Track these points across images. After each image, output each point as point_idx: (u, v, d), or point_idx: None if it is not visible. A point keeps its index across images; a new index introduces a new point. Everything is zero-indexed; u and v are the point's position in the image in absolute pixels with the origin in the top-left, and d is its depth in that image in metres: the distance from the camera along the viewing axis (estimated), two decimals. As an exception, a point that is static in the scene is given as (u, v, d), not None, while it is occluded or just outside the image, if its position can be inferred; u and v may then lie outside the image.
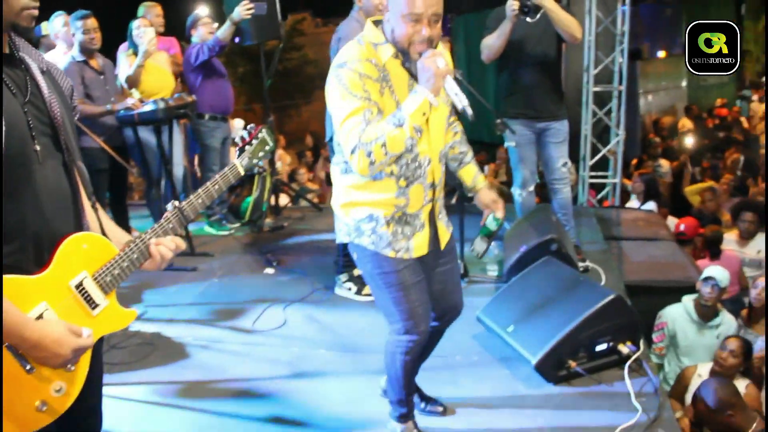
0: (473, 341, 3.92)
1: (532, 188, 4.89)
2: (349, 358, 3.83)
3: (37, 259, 1.70)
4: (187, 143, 6.29)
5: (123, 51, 5.64)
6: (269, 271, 5.20)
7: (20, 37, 1.77)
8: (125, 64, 5.49)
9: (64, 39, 5.54)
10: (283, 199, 7.06)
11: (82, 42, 5.06)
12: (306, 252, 5.65)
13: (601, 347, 3.50)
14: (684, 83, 16.42)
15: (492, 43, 4.59)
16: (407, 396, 2.96)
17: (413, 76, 2.50)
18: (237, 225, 6.29)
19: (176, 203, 1.98)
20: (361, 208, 2.62)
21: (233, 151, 2.34)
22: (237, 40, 6.07)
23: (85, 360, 1.76)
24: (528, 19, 4.43)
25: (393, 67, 2.49)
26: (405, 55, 2.47)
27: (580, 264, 4.64)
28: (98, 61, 5.21)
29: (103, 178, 5.17)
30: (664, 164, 8.88)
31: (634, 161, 9.91)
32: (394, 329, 2.76)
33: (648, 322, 4.68)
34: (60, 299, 1.71)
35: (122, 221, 5.52)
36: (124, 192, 5.70)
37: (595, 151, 7.20)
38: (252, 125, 2.28)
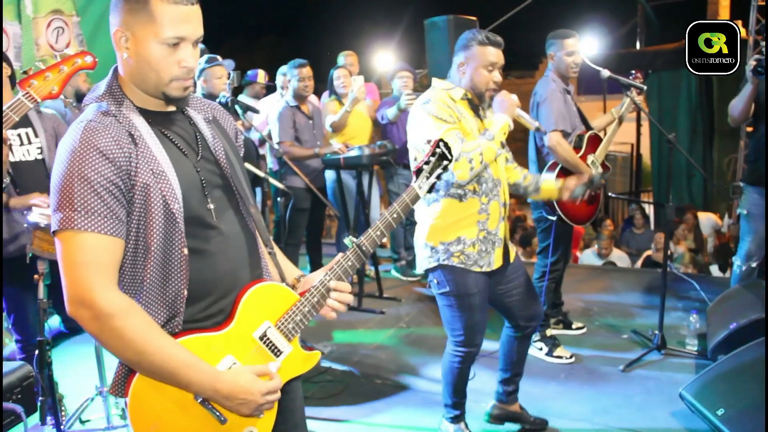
0: (674, 419, 3.69)
1: (756, 263, 4.54)
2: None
3: (222, 312, 1.76)
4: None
5: (326, 98, 5.96)
6: (456, 321, 5.19)
7: (173, 105, 1.79)
8: (330, 110, 5.79)
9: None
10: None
11: (296, 89, 5.41)
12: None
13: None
14: None
15: (735, 105, 4.37)
16: (460, 399, 3.44)
17: (476, 113, 3.18)
18: (423, 272, 6.35)
19: (354, 239, 1.95)
20: (449, 231, 3.11)
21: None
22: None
23: (272, 410, 1.80)
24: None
25: (463, 104, 3.14)
26: (479, 98, 3.15)
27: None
28: (308, 107, 5.53)
29: (303, 217, 5.46)
30: None
31: None
32: (455, 341, 3.28)
33: None
34: (246, 352, 1.76)
35: (316, 259, 5.77)
36: (321, 231, 5.96)
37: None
38: (427, 140, 2.16)
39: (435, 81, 3.23)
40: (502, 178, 3.22)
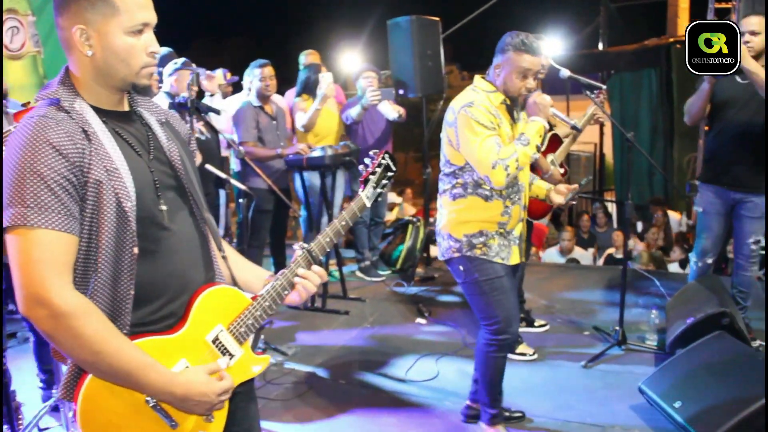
0: (633, 412, 3.75)
1: (711, 260, 4.60)
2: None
3: (174, 314, 1.75)
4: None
5: (295, 97, 5.94)
6: (421, 321, 5.23)
7: (140, 95, 1.81)
8: (301, 109, 5.77)
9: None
10: (435, 250, 7.08)
11: (258, 89, 5.38)
12: (457, 304, 5.63)
13: (779, 436, 3.23)
14: None
15: (691, 104, 4.44)
16: (498, 395, 3.43)
17: (513, 117, 3.25)
18: (387, 272, 6.38)
19: (304, 245, 1.97)
20: (472, 225, 3.22)
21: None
22: (401, 92, 6.25)
23: (222, 411, 1.80)
24: (739, 79, 4.22)
25: (501, 108, 3.20)
26: (512, 100, 3.23)
27: (751, 343, 4.34)
28: (272, 107, 5.51)
29: (266, 219, 5.43)
30: None
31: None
32: (491, 330, 3.27)
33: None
34: (198, 355, 1.76)
35: (281, 261, 5.75)
36: (284, 232, 5.94)
37: None
38: (373, 152, 2.22)
39: (477, 80, 3.28)
40: (526, 182, 3.34)
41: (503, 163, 3.01)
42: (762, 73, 4.01)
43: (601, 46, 13.53)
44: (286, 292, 1.92)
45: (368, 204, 2.13)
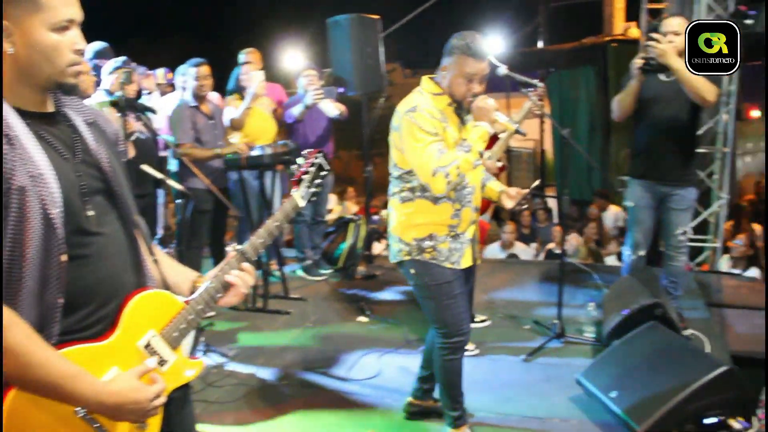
0: (572, 404, 3.82)
1: (643, 252, 4.72)
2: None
3: (104, 320, 1.70)
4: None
5: (228, 95, 5.87)
6: (362, 319, 5.22)
7: (67, 94, 1.74)
8: (231, 106, 5.70)
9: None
10: (377, 248, 7.09)
11: (194, 88, 5.28)
12: (399, 301, 5.65)
13: (710, 421, 3.33)
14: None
15: (620, 100, 4.53)
16: (460, 397, 3.40)
17: (461, 119, 3.19)
18: (330, 271, 6.35)
19: (237, 246, 1.95)
20: (421, 228, 3.18)
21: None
22: (342, 90, 6.23)
23: (156, 418, 1.76)
24: (663, 77, 4.34)
25: (448, 111, 3.15)
26: (458, 103, 3.15)
27: (683, 332, 4.47)
28: (209, 107, 5.42)
29: (206, 219, 5.34)
30: (757, 228, 8.63)
31: (729, 224, 9.53)
32: (444, 333, 3.24)
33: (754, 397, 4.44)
34: (130, 362, 1.71)
35: (221, 261, 5.66)
36: (224, 233, 5.86)
37: (695, 213, 6.97)
38: (306, 151, 2.19)
39: (424, 81, 3.21)
40: (477, 184, 3.28)
41: (443, 171, 2.95)
42: (686, 71, 4.14)
43: (540, 44, 13.74)
44: (219, 295, 1.89)
45: (302, 204, 2.09)
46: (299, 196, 2.10)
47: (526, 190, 3.45)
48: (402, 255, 3.24)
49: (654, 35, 4.26)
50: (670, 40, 4.24)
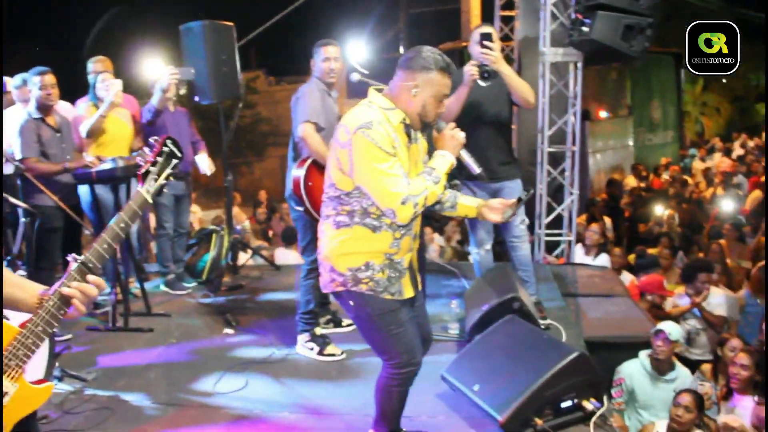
0: (438, 400, 3.89)
1: (488, 247, 4.95)
2: (313, 419, 3.78)
3: None
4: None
5: (83, 103, 5.59)
6: (228, 331, 5.09)
7: None
8: (86, 115, 5.43)
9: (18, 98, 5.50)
10: (242, 258, 6.96)
11: (38, 98, 4.99)
12: (265, 311, 5.56)
13: (566, 404, 3.52)
14: (630, 143, 16.98)
15: (449, 106, 4.65)
16: (397, 426, 3.28)
17: (410, 138, 2.92)
18: (194, 284, 6.16)
19: (77, 256, 1.84)
20: (356, 257, 2.90)
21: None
22: (197, 98, 6.08)
23: None
24: (481, 83, 4.51)
25: (399, 129, 2.86)
26: (422, 123, 2.92)
27: (542, 321, 4.67)
28: (55, 119, 5.14)
29: (56, 238, 5.06)
30: (607, 221, 9.35)
31: (583, 217, 10.11)
32: (394, 364, 3.02)
33: (607, 378, 4.72)
34: None
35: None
36: (79, 251, 5.55)
37: (550, 209, 7.33)
38: (153, 139, 2.04)
39: (372, 94, 2.92)
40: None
41: (413, 200, 2.74)
42: (515, 76, 4.58)
43: (402, 50, 14.01)
44: (62, 312, 1.77)
45: (149, 199, 1.98)
46: (145, 192, 1.98)
47: (512, 201, 3.12)
48: (335, 286, 2.97)
49: (488, 44, 4.44)
50: (496, 48, 4.50)
